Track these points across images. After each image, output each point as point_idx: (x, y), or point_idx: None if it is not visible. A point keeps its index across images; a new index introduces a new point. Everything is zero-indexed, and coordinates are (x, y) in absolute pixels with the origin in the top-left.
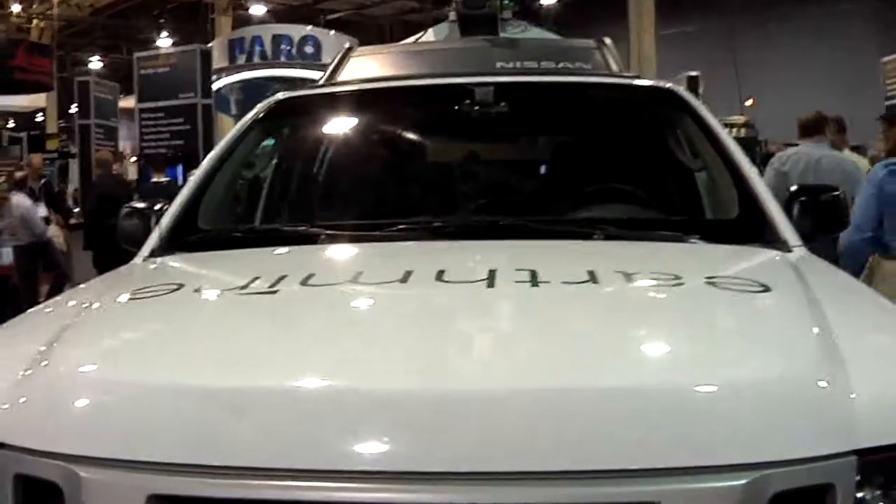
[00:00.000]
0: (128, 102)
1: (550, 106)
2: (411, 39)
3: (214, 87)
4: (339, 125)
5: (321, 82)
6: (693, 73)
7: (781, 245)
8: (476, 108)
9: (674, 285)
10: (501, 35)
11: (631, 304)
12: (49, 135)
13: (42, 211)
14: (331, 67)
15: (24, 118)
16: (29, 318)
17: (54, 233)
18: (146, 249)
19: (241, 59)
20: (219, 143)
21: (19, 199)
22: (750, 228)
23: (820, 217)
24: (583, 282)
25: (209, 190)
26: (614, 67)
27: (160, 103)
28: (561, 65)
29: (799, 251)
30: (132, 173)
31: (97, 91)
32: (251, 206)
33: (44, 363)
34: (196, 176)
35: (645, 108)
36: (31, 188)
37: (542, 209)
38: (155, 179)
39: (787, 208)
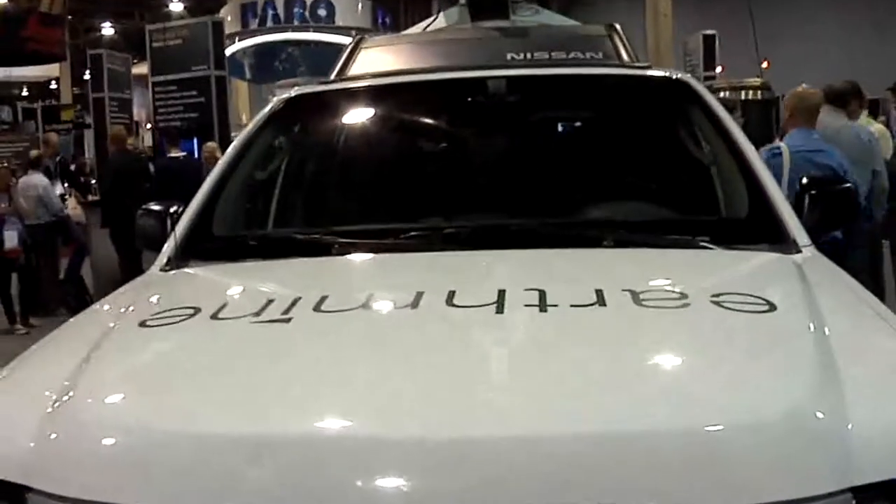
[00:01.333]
0: (141, 69)
1: (563, 99)
2: (422, 25)
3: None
4: (352, 123)
5: (332, 76)
6: (709, 32)
7: (791, 245)
8: (489, 103)
9: (680, 307)
10: (512, 17)
11: (635, 334)
12: (64, 105)
13: (59, 188)
14: (341, 60)
15: (38, 87)
16: (46, 350)
17: (72, 206)
18: (163, 258)
19: (254, 24)
20: (232, 144)
21: (36, 179)
22: (760, 228)
23: (831, 210)
24: (590, 304)
25: (224, 192)
26: (625, 56)
27: (173, 76)
28: (572, 55)
29: (808, 251)
30: (147, 141)
31: (110, 64)
32: (265, 206)
33: (66, 403)
34: (210, 179)
35: (656, 100)
36: (47, 166)
37: (555, 206)
38: (171, 154)
39: (797, 200)
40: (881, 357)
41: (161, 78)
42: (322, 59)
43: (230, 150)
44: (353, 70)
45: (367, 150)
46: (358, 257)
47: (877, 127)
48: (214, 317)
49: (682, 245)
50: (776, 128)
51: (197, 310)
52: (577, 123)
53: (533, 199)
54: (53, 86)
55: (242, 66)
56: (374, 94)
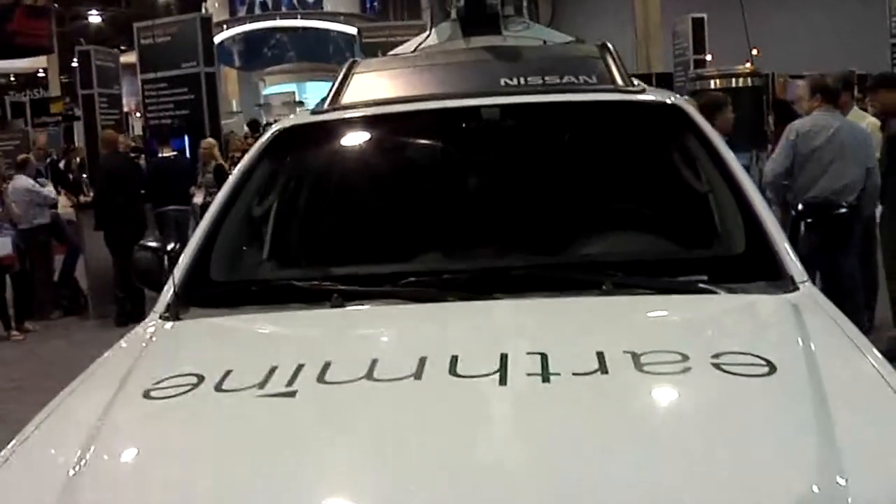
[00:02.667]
0: (129, 58)
1: (558, 127)
2: (416, 42)
3: (217, 39)
4: (346, 155)
5: (326, 104)
6: (698, 15)
7: (788, 282)
8: (484, 132)
9: (681, 372)
10: (504, 32)
11: (638, 410)
12: (53, 98)
13: (50, 189)
14: (335, 86)
15: (26, 77)
16: (50, 428)
17: (63, 204)
18: (161, 304)
19: (242, 11)
20: (227, 181)
21: (22, 182)
22: (757, 264)
23: (827, 235)
24: (593, 372)
25: (222, 230)
26: (619, 79)
27: (163, 73)
28: (566, 79)
29: (804, 288)
30: (138, 130)
31: (98, 60)
32: (263, 243)
33: (73, 494)
34: (207, 218)
35: (651, 126)
36: (37, 169)
37: (553, 240)
38: (162, 154)
39: (793, 226)
40: (881, 427)
41: (151, 75)
42: (311, 45)
43: (226, 186)
44: (347, 97)
45: (363, 183)
46: (358, 310)
47: (869, 121)
48: (219, 388)
49: (681, 289)
50: (767, 114)
51: (200, 378)
52: (573, 152)
53: (530, 231)
54: (41, 74)
55: (231, 53)
56: (368, 125)
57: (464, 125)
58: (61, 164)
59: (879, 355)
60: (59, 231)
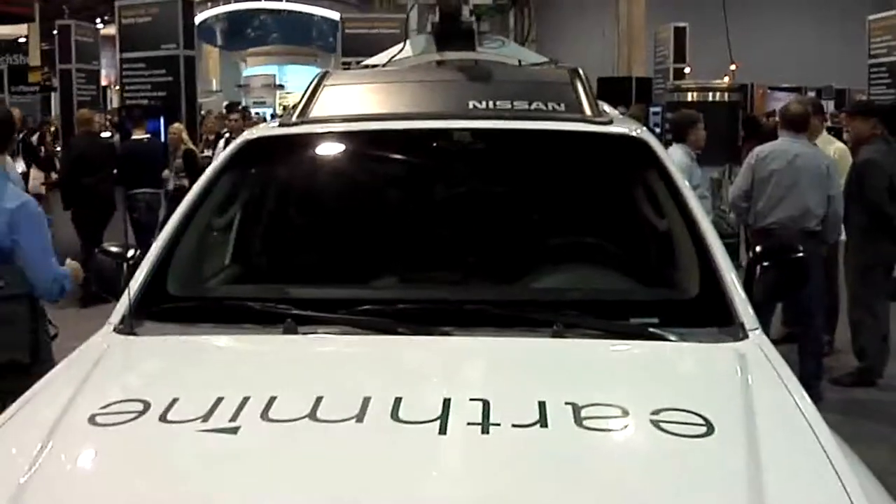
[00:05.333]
0: (110, 30)
1: (522, 155)
2: (391, 52)
3: (199, 18)
4: (310, 171)
5: (294, 116)
6: (681, 24)
7: (738, 329)
8: (447, 156)
9: (620, 428)
10: (478, 49)
11: (573, 470)
12: (31, 67)
13: (21, 166)
14: (304, 97)
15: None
16: None
17: (34, 177)
18: (116, 315)
19: None
20: (191, 191)
21: None
22: (709, 309)
23: (782, 280)
24: (532, 424)
25: (183, 240)
26: (586, 107)
27: (142, 53)
28: (534, 105)
29: (754, 336)
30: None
31: (78, 35)
32: (223, 255)
33: None
34: (168, 228)
35: (614, 159)
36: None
37: (511, 272)
38: (135, 137)
39: (749, 270)
40: (811, 495)
41: (130, 55)
42: (294, 28)
43: (189, 196)
44: (316, 109)
45: (326, 200)
46: (309, 339)
47: (837, 147)
48: (163, 418)
49: (631, 332)
50: (740, 131)
51: (146, 406)
52: (536, 180)
53: (489, 259)
54: (22, 40)
55: (214, 32)
56: (335, 142)
57: (428, 148)
58: (34, 138)
59: (818, 415)
60: None
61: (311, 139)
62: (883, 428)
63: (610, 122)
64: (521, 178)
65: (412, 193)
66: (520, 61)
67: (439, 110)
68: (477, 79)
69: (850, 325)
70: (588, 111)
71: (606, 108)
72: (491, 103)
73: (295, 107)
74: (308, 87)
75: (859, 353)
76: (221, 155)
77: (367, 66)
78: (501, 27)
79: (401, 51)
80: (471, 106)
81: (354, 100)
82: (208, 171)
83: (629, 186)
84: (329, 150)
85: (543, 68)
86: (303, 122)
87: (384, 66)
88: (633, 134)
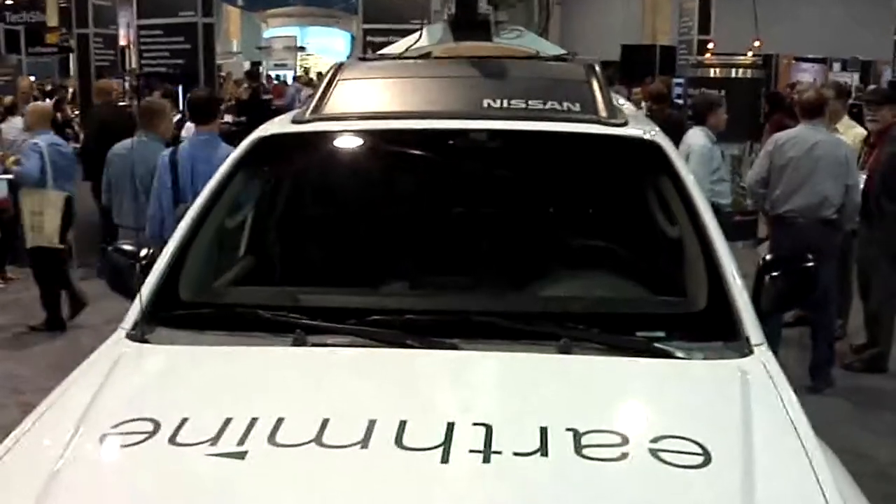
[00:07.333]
0: None
1: (536, 158)
2: (407, 41)
3: None
4: (324, 171)
5: (308, 112)
6: None
7: (743, 344)
8: (458, 157)
9: (618, 458)
10: (495, 39)
11: (569, 498)
12: (49, 28)
13: None
14: (319, 91)
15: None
16: (7, 469)
17: None
18: (129, 320)
19: None
20: (204, 191)
21: (16, 123)
22: (715, 323)
23: (791, 289)
24: (533, 453)
25: (193, 246)
26: (601, 107)
27: (160, 20)
28: (549, 104)
29: (759, 353)
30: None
31: None
32: (235, 260)
33: None
34: (179, 233)
35: (627, 162)
36: (22, 113)
37: (521, 279)
38: None
39: (758, 278)
40: None
41: (147, 21)
42: None
43: (202, 197)
44: (330, 105)
45: (339, 202)
46: (318, 354)
47: (857, 132)
48: (172, 440)
49: (637, 348)
50: (763, 109)
51: (157, 426)
52: (549, 183)
53: (499, 265)
54: None
55: None
56: (349, 140)
57: (441, 149)
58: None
59: (815, 441)
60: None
61: (324, 137)
62: (892, 417)
63: (625, 124)
64: (534, 180)
65: (424, 194)
66: (537, 53)
67: (453, 109)
68: (492, 76)
69: (865, 312)
70: (603, 112)
71: (622, 101)
72: (505, 102)
73: (309, 100)
74: (322, 81)
75: (873, 340)
76: (234, 153)
77: (383, 56)
78: (526, 12)
79: (418, 40)
80: (485, 105)
81: (369, 95)
82: (222, 170)
83: (641, 191)
84: (342, 148)
85: (559, 64)
86: (316, 119)
87: (401, 56)
88: (647, 137)
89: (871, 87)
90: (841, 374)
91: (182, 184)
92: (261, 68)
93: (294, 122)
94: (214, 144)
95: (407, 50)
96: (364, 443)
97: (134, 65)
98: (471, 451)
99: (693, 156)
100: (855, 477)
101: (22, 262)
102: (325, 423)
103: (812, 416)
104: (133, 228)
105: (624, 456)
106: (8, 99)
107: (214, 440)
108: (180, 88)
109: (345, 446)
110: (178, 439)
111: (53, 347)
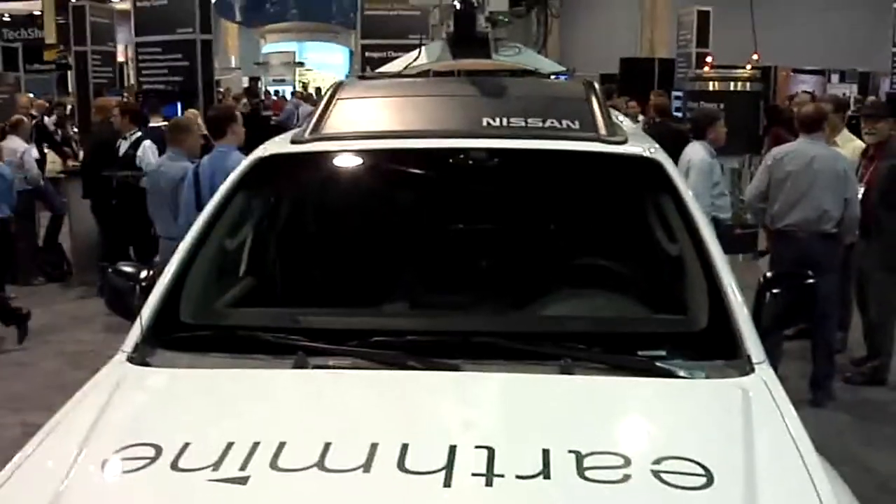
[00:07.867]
0: (125, 5)
1: (536, 176)
2: (406, 59)
3: None
4: (323, 191)
5: (307, 132)
6: (704, 8)
7: (745, 363)
8: (458, 176)
9: (620, 480)
10: (494, 56)
11: None
12: (47, 45)
13: (34, 152)
14: (318, 111)
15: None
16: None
17: (51, 160)
18: (129, 342)
19: None
20: (203, 212)
21: (16, 144)
22: (717, 342)
23: (792, 305)
24: (536, 475)
25: (193, 268)
26: (601, 125)
27: (158, 38)
28: (548, 122)
29: (760, 371)
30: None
31: (93, 16)
32: (235, 281)
33: None
34: (179, 255)
35: (627, 181)
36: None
37: (522, 298)
38: (153, 124)
39: (759, 296)
40: None
41: (146, 38)
42: (313, 3)
43: (201, 218)
44: (329, 124)
45: (339, 222)
46: (319, 376)
47: (856, 145)
48: (174, 465)
49: (638, 368)
50: (761, 122)
51: (158, 451)
52: (549, 202)
53: (500, 284)
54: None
55: (232, 6)
56: (348, 160)
57: (440, 169)
58: (51, 118)
59: (817, 459)
60: (43, 195)
61: (323, 157)
62: (892, 430)
63: (624, 142)
64: (534, 199)
65: (424, 213)
66: (535, 70)
67: (453, 127)
68: (491, 94)
69: (865, 324)
70: (602, 129)
71: (621, 118)
72: (505, 120)
73: (308, 119)
74: (321, 101)
75: (874, 353)
76: (233, 174)
77: (382, 75)
78: (524, 26)
79: (416, 58)
80: (485, 123)
81: (368, 115)
82: (221, 191)
83: (641, 209)
84: (342, 168)
85: (558, 82)
86: (316, 139)
87: (400, 74)
88: (647, 155)
89: (870, 98)
90: (841, 388)
91: (203, 196)
92: (259, 83)
93: (293, 141)
94: (229, 155)
95: (406, 68)
96: (366, 466)
97: (132, 81)
98: (473, 474)
99: (693, 170)
100: (856, 489)
101: (24, 280)
102: (327, 446)
103: (813, 430)
104: (168, 238)
105: (626, 478)
106: (14, 118)
107: (216, 465)
108: (179, 105)
109: (347, 470)
110: (181, 464)
111: (54, 366)
